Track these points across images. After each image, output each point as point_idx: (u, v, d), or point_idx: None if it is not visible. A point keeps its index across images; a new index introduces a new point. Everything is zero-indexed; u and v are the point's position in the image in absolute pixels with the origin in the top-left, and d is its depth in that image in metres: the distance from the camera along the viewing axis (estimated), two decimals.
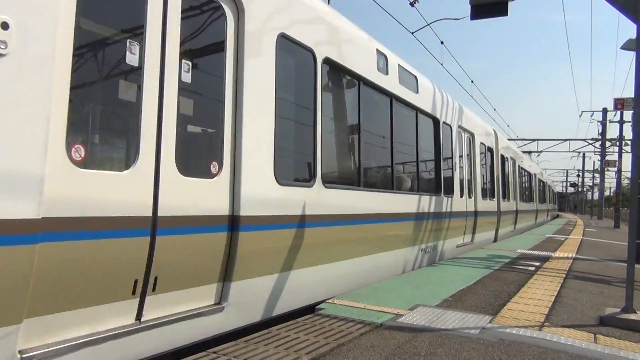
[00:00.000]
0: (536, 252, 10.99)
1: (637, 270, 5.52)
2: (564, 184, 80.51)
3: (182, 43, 3.75)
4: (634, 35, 5.84)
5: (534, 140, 37.68)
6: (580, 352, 3.87)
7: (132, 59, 3.42)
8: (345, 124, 6.29)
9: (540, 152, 38.94)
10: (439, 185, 9.15)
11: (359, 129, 6.41)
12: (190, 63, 3.84)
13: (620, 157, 30.24)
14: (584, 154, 53.73)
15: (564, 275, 7.68)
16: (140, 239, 3.35)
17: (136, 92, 3.44)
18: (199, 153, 4.07)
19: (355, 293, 5.62)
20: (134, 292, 3.37)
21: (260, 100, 4.46)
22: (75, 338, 3.05)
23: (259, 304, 4.49)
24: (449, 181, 9.81)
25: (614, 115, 31.43)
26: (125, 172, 3.30)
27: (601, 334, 4.50)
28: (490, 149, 13.63)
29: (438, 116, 9.20)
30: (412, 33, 11.88)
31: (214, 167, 4.05)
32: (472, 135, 11.66)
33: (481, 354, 3.72)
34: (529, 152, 38.21)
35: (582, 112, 53.20)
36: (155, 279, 3.49)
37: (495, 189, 14.08)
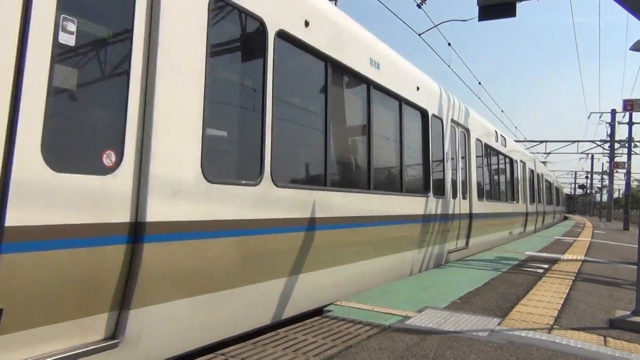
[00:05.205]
0: (544, 254, 10.93)
1: None
2: (572, 185, 79.95)
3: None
4: None
5: (542, 141, 37.46)
6: (590, 355, 3.84)
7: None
8: (488, 168, 12.08)
9: (549, 153, 38.69)
10: (515, 195, 16.04)
11: (503, 171, 13.95)
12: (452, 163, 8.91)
13: (629, 158, 30.00)
14: (592, 156, 53.33)
15: (573, 278, 7.63)
16: (449, 222, 8.60)
17: (464, 173, 9.90)
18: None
19: (362, 295, 5.61)
20: (466, 237, 9.78)
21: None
22: (457, 247, 9.32)
23: (478, 246, 10.61)
24: (519, 193, 16.77)
25: (623, 117, 31.20)
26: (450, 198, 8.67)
27: (611, 337, 4.46)
28: (532, 170, 19.60)
29: (514, 158, 15.88)
30: (419, 35, 11.86)
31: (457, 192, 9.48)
32: (525, 163, 17.97)
33: (490, 356, 3.70)
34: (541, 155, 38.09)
35: (591, 113, 52.43)
36: (459, 235, 9.12)
37: (537, 197, 20.88)
